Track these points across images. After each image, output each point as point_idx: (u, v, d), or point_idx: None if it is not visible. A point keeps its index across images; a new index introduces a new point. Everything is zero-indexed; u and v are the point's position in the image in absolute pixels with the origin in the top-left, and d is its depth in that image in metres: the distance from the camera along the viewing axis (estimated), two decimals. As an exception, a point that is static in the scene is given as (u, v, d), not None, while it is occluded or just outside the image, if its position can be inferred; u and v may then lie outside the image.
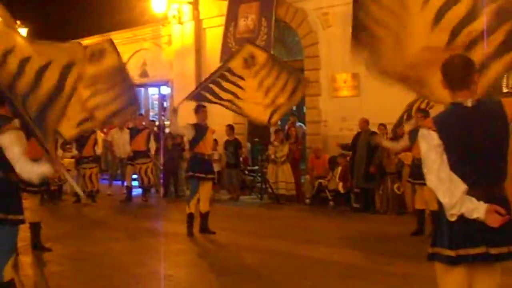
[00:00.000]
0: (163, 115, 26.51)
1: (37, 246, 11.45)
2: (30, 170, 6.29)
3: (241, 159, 19.64)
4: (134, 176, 19.01)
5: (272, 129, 19.46)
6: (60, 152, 17.39)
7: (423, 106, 12.76)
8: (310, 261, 10.52)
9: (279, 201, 17.84)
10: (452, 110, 4.84)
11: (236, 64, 11.99)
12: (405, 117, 14.20)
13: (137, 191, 19.47)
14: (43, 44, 7.20)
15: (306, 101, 19.99)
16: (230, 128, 19.17)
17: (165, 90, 26.32)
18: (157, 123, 24.54)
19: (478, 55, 5.81)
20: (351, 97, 18.59)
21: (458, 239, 4.69)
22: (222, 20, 21.64)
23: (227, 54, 20.72)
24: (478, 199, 4.60)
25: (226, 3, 21.30)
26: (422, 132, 4.82)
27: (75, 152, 18.59)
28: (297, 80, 12.04)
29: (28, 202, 9.08)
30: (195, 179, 13.09)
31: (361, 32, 6.61)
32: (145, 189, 19.07)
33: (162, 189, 19.76)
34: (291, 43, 20.73)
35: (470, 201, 4.60)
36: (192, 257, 11.43)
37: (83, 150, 18.23)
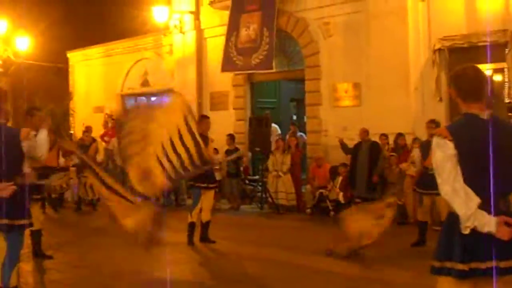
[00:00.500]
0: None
1: (38, 253, 11.46)
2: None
3: (241, 168, 19.63)
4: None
5: (273, 138, 19.49)
6: (62, 160, 17.41)
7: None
8: (311, 271, 10.51)
9: (280, 211, 17.85)
10: (468, 121, 4.76)
11: None
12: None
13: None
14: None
15: (307, 110, 20.04)
16: (231, 137, 19.17)
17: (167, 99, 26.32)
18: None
19: None
20: (352, 107, 18.61)
21: (470, 253, 4.63)
22: (223, 30, 21.67)
23: (228, 63, 20.77)
24: (488, 212, 4.58)
25: (227, 13, 21.33)
26: (438, 141, 4.71)
27: (76, 160, 18.60)
28: None
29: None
30: (197, 188, 13.10)
31: None
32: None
33: (162, 198, 19.75)
34: (292, 52, 20.76)
35: (482, 214, 4.55)
36: (193, 265, 11.43)
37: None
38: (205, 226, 13.08)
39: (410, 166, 14.49)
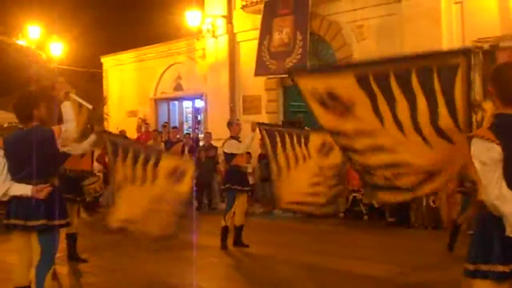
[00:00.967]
0: (197, 128, 26.61)
1: (73, 257, 11.54)
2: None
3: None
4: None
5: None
6: (96, 164, 17.53)
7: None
8: (344, 275, 10.46)
9: (313, 214, 17.73)
10: (505, 121, 4.66)
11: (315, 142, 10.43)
12: None
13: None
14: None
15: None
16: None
17: (199, 103, 26.41)
18: (191, 135, 24.64)
19: None
20: (386, 110, 18.50)
21: (510, 254, 4.61)
22: (256, 34, 21.68)
23: (261, 68, 20.75)
24: None
25: (260, 17, 21.33)
26: (483, 143, 4.59)
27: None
28: None
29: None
30: (232, 191, 13.11)
31: None
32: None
33: (196, 202, 19.79)
34: (325, 56, 20.70)
35: None
36: (226, 269, 11.45)
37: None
38: (239, 230, 13.06)
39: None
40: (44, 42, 27.37)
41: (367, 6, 18.93)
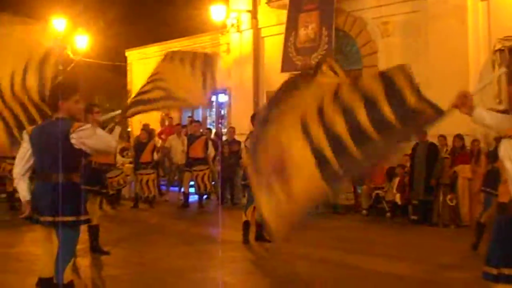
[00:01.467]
0: (221, 123, 26.64)
1: (95, 249, 11.58)
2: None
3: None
4: (192, 183, 19.09)
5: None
6: (119, 158, 17.60)
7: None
8: (366, 273, 10.43)
9: (337, 210, 17.69)
10: None
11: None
12: None
13: (194, 198, 19.54)
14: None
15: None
16: (287, 136, 19.11)
17: (223, 98, 26.41)
18: (214, 130, 24.69)
19: None
20: (410, 107, 18.40)
21: None
22: (280, 29, 21.66)
23: (288, 63, 20.72)
24: None
25: (285, 12, 21.30)
26: (507, 143, 4.68)
27: (132, 155, 18.85)
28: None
29: (88, 204, 9.19)
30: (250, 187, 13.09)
31: None
32: (202, 196, 19.14)
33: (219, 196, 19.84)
34: (349, 52, 20.64)
35: None
36: (247, 264, 11.45)
37: (141, 156, 18.42)
38: (260, 225, 13.04)
39: (465, 168, 14.36)
40: (70, 35, 27.44)
41: (393, 2, 18.85)
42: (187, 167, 18.84)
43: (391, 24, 18.89)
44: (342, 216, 17.28)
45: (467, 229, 14.20)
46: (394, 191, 16.59)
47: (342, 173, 5.25)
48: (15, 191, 18.26)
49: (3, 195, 18.46)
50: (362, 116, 5.25)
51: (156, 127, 23.87)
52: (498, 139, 4.86)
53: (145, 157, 18.49)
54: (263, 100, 22.87)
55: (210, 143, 18.97)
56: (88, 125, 6.70)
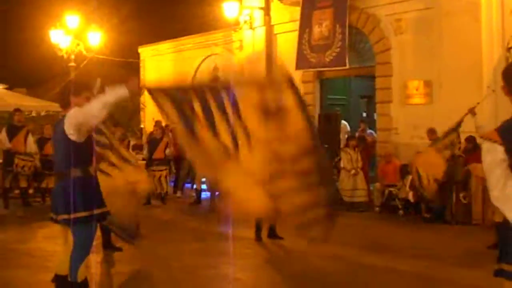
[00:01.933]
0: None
1: (107, 245, 11.59)
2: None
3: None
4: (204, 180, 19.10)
5: (342, 136, 19.38)
6: (132, 154, 17.63)
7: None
8: (378, 270, 10.43)
9: (353, 207, 17.65)
10: None
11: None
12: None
13: (206, 194, 19.56)
14: None
15: (377, 108, 19.86)
16: (300, 133, 19.09)
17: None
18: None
19: None
20: (423, 104, 18.35)
21: None
22: (293, 26, 21.63)
23: (302, 61, 20.70)
24: None
25: (298, 9, 21.26)
26: (487, 145, 4.63)
27: (145, 154, 18.89)
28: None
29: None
30: None
31: None
32: (214, 193, 19.12)
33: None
34: (362, 49, 20.59)
35: None
36: (260, 261, 11.45)
37: (154, 152, 18.46)
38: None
39: (478, 167, 14.30)
40: (83, 31, 27.47)
41: (406, -1, 18.82)
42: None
43: (404, 21, 18.81)
44: (355, 213, 17.25)
45: (480, 228, 14.15)
46: (407, 188, 16.55)
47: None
48: (28, 187, 18.39)
49: (17, 191, 18.54)
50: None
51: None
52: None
53: (158, 153, 18.52)
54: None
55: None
56: (75, 108, 6.65)
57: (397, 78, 18.99)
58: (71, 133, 6.49)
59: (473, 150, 15.29)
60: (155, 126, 20.03)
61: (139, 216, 9.96)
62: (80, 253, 6.60)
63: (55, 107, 26.42)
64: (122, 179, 8.97)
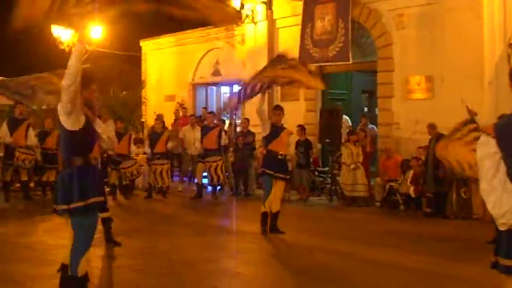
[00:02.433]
0: (235, 114, 26.64)
1: (108, 239, 11.63)
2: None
3: (311, 159, 19.54)
4: (205, 174, 19.12)
5: (343, 130, 19.38)
6: (133, 148, 17.67)
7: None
8: (378, 265, 10.42)
9: (355, 203, 17.66)
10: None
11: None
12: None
13: (207, 188, 19.58)
14: None
15: (378, 102, 19.84)
16: (301, 128, 19.11)
17: (237, 89, 26.35)
18: (227, 121, 24.71)
19: None
20: (424, 100, 18.34)
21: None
22: (295, 20, 21.61)
23: (305, 55, 20.68)
24: None
25: (300, 3, 21.24)
26: (482, 138, 4.72)
27: (147, 149, 18.90)
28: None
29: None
30: (264, 175, 13.13)
31: None
32: (215, 187, 19.16)
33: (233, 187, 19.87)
34: (364, 44, 20.56)
35: None
36: (261, 255, 11.45)
37: (155, 146, 18.48)
38: (275, 216, 13.03)
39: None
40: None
41: (408, -6, 18.79)
42: (201, 158, 18.88)
43: (406, 16, 18.79)
44: (356, 208, 17.27)
45: (480, 222, 14.15)
46: (408, 183, 16.56)
47: None
48: (29, 180, 18.40)
49: (17, 185, 18.56)
50: None
51: (171, 117, 23.90)
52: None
53: (160, 147, 18.54)
54: (278, 91, 22.83)
55: (223, 134, 19.01)
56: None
57: (399, 73, 18.98)
58: (63, 118, 6.49)
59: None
60: (156, 120, 20.06)
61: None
62: (80, 246, 6.56)
63: (56, 100, 26.47)
64: None
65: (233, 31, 25.16)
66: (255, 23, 23.39)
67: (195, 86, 28.14)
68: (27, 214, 15.41)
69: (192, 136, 19.86)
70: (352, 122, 21.63)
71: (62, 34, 26.42)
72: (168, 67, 29.18)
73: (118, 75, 28.13)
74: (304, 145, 18.87)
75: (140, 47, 30.96)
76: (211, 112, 20.61)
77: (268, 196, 12.89)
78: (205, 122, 19.39)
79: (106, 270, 9.91)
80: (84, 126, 6.58)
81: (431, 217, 15.55)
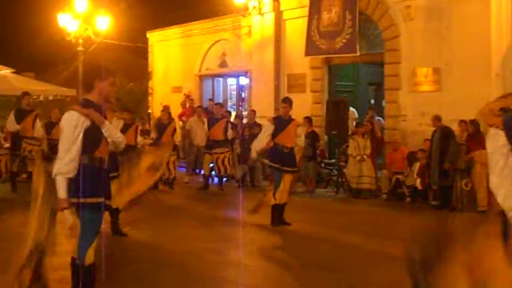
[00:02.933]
0: (241, 106, 26.65)
1: (114, 231, 11.65)
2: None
3: (317, 151, 19.53)
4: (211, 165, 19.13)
5: (350, 122, 19.36)
6: (140, 139, 17.66)
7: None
8: (384, 257, 10.43)
9: (361, 195, 17.65)
10: None
11: None
12: None
13: (214, 180, 19.58)
14: None
15: (385, 94, 19.81)
16: (308, 120, 19.09)
17: (244, 80, 26.38)
18: (234, 113, 24.70)
19: None
20: (431, 92, 18.29)
21: None
22: (302, 12, 21.56)
23: (312, 47, 20.66)
24: None
25: (307, -5, 21.21)
26: (491, 131, 4.70)
27: (153, 136, 18.94)
28: None
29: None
30: (274, 169, 13.16)
31: None
32: (222, 178, 19.16)
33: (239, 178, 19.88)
34: (371, 36, 20.51)
35: None
36: (268, 247, 11.45)
37: (162, 137, 18.47)
38: (281, 208, 13.05)
39: (482, 154, 14.24)
40: (91, 15, 27.38)
41: (415, -14, 18.73)
42: (207, 149, 18.86)
43: (414, 8, 18.71)
44: (362, 200, 17.27)
45: (484, 215, 14.11)
46: (415, 176, 16.55)
47: None
48: (35, 171, 18.37)
49: (24, 175, 18.55)
50: None
51: (177, 109, 23.91)
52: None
53: (166, 139, 18.51)
54: (284, 83, 22.83)
55: (230, 126, 18.99)
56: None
57: (406, 65, 18.92)
58: None
59: (475, 136, 15.23)
60: (162, 111, 20.05)
61: None
62: (87, 237, 6.59)
63: (63, 91, 26.45)
64: None
65: (240, 23, 25.12)
66: (262, 15, 23.36)
67: (201, 78, 28.13)
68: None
69: (199, 127, 19.84)
70: (358, 114, 21.59)
71: (69, 25, 26.40)
72: (174, 58, 29.18)
73: (125, 67, 28.10)
74: (310, 137, 18.82)
75: (146, 39, 30.96)
76: (218, 103, 20.58)
77: (278, 189, 12.89)
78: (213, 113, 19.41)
79: (112, 261, 9.91)
80: (91, 126, 6.58)
81: (438, 209, 15.53)
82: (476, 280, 4.97)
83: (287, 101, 13.44)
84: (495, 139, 4.62)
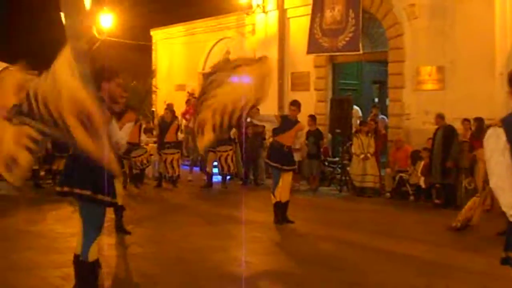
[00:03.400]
0: (245, 104, 26.60)
1: (119, 228, 11.67)
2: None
3: (321, 150, 19.51)
4: (215, 163, 19.14)
5: (354, 121, 19.35)
6: (143, 137, 17.66)
7: None
8: (387, 255, 10.44)
9: (364, 193, 17.65)
10: None
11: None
12: None
13: (217, 178, 19.58)
14: None
15: (389, 93, 19.77)
16: (312, 118, 19.07)
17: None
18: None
19: None
20: (435, 90, 18.25)
21: None
22: (306, 10, 21.54)
23: (314, 45, 20.64)
24: None
25: (311, -7, 21.18)
26: (490, 131, 4.73)
27: (156, 133, 18.95)
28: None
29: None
30: (273, 168, 13.19)
31: None
32: (225, 176, 19.18)
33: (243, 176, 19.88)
34: (375, 34, 20.47)
35: None
36: (270, 244, 11.47)
37: (165, 135, 18.48)
38: (284, 206, 13.06)
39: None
40: (95, 13, 27.38)
41: (420, -16, 18.70)
42: (211, 147, 18.84)
43: (418, 7, 18.68)
44: (366, 199, 17.27)
45: (488, 214, 14.09)
46: (419, 174, 16.54)
47: None
48: (39, 169, 18.43)
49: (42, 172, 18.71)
50: None
51: (181, 107, 23.90)
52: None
53: (170, 136, 18.54)
54: (288, 81, 22.81)
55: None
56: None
57: (410, 64, 18.89)
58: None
59: (478, 135, 15.21)
60: (166, 109, 20.06)
61: None
62: (90, 232, 6.60)
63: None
64: None
65: (244, 21, 25.11)
66: (266, 13, 23.34)
67: (205, 76, 28.06)
68: (37, 202, 15.44)
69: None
70: (362, 113, 21.57)
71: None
72: (178, 56, 29.19)
73: (129, 64, 28.11)
74: (314, 135, 18.82)
75: (150, 36, 30.97)
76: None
77: (277, 187, 12.92)
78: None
79: (116, 258, 9.92)
80: None
81: (441, 208, 15.52)
82: None
83: (296, 104, 13.45)
84: (495, 139, 4.61)
